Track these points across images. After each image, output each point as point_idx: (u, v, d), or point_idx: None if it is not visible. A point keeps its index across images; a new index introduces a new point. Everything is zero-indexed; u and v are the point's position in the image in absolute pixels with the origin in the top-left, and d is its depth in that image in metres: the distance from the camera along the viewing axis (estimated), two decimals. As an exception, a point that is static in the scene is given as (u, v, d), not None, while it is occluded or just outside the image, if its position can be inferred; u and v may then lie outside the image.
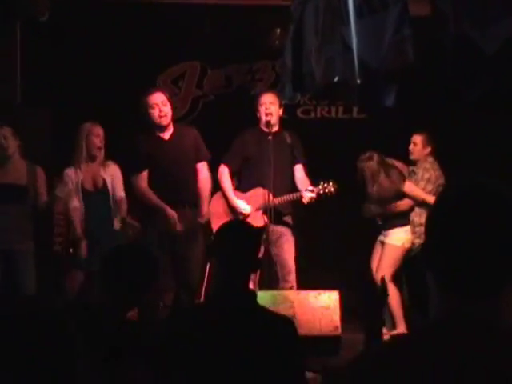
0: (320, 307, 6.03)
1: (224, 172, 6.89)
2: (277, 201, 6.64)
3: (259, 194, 6.70)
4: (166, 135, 6.61)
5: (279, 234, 6.75)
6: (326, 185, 6.67)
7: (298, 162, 6.87)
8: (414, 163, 7.10)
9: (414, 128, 6.96)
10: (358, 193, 7.40)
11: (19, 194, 6.28)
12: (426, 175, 6.90)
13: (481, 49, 3.29)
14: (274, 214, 6.62)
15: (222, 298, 3.03)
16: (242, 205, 6.77)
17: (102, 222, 6.47)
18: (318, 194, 6.66)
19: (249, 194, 6.81)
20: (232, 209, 6.80)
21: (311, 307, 6.03)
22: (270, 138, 6.58)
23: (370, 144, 7.04)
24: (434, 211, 1.67)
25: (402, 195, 6.91)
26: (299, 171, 6.87)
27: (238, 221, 3.82)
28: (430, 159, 7.00)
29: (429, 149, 7.02)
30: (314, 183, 6.72)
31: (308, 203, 6.67)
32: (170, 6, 7.93)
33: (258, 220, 6.70)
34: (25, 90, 7.47)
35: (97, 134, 6.45)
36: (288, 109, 7.89)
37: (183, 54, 8.34)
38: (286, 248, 6.80)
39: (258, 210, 6.73)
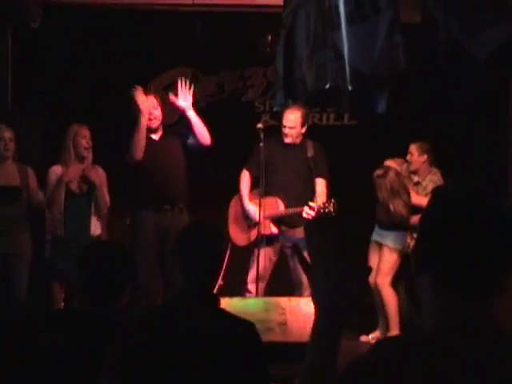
0: (311, 314, 5.95)
1: (244, 176, 6.99)
2: (284, 212, 6.70)
3: (271, 202, 6.74)
4: (155, 136, 6.72)
5: (295, 249, 6.67)
6: (326, 204, 6.67)
7: (317, 176, 6.87)
8: (414, 173, 7.09)
9: (406, 135, 6.97)
10: (352, 199, 7.44)
11: (14, 195, 6.29)
12: None
13: (471, 55, 3.30)
14: (290, 224, 6.74)
15: (183, 300, 2.99)
16: (252, 212, 6.81)
17: (81, 225, 6.48)
18: (318, 212, 6.66)
19: (264, 200, 6.78)
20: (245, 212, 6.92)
21: (302, 314, 6.02)
22: (293, 148, 6.74)
23: (362, 151, 7.06)
24: (429, 213, 1.67)
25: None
26: (318, 185, 6.85)
27: (199, 222, 3.77)
28: (434, 170, 7.01)
29: (425, 157, 7.02)
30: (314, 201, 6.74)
31: (306, 219, 6.65)
32: (162, 12, 7.94)
33: (268, 228, 6.74)
34: (16, 95, 7.46)
35: (83, 136, 6.50)
36: (279, 116, 7.91)
37: (175, 60, 8.34)
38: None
39: (267, 218, 6.75)
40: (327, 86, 4.30)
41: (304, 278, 6.67)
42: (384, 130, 7.09)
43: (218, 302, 3.03)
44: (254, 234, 6.82)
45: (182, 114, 6.76)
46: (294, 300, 6.13)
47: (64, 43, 7.82)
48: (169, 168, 6.59)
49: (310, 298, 6.06)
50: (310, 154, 6.82)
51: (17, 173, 6.37)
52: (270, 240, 6.81)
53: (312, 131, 8.32)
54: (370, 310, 6.85)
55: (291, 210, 6.72)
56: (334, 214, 6.62)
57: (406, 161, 7.09)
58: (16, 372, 3.33)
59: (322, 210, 6.64)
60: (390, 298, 6.72)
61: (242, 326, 3.00)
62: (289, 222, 6.78)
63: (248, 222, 6.88)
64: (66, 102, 7.66)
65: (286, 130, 6.81)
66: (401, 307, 6.90)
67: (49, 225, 6.48)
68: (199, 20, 7.92)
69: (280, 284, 7.05)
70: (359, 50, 3.93)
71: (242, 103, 8.30)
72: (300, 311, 6.03)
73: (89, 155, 6.54)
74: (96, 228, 6.56)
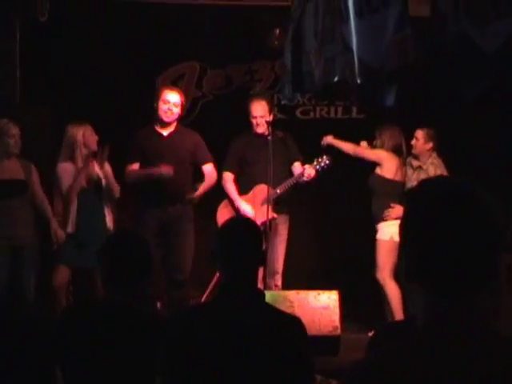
0: (319, 307, 6.03)
1: (228, 178, 7.01)
2: (279, 190, 6.73)
3: (261, 189, 6.78)
4: (165, 132, 6.72)
5: (275, 232, 6.79)
6: (320, 159, 6.76)
7: (295, 160, 6.95)
8: (416, 157, 7.05)
9: (414, 128, 6.95)
10: (351, 192, 7.44)
11: (21, 188, 6.32)
12: (438, 171, 6.84)
13: (480, 48, 3.29)
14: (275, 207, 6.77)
15: (230, 296, 3.00)
16: (247, 208, 6.82)
17: (93, 218, 6.52)
18: (316, 170, 6.74)
19: (250, 193, 6.86)
20: (237, 212, 6.87)
21: (311, 307, 6.03)
22: (265, 139, 6.71)
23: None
24: (405, 219, 1.65)
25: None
26: (298, 167, 6.94)
27: (239, 218, 3.80)
28: (434, 155, 6.97)
29: (430, 144, 6.98)
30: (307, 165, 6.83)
31: (309, 179, 6.75)
32: (170, 6, 7.93)
33: (264, 215, 6.75)
34: (24, 89, 7.47)
35: (90, 133, 6.53)
36: (287, 109, 7.90)
37: (183, 54, 8.33)
38: (280, 248, 6.86)
39: (262, 204, 6.77)
40: (336, 79, 4.31)
41: (280, 262, 6.79)
42: (392, 124, 7.06)
43: (263, 296, 3.06)
44: None
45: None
46: (303, 293, 6.13)
47: (72, 37, 7.81)
48: (174, 165, 6.58)
49: (318, 292, 6.04)
50: (283, 140, 6.87)
51: (21, 168, 6.39)
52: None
53: (320, 124, 8.35)
54: (380, 304, 6.86)
55: (287, 184, 6.76)
56: (330, 166, 6.73)
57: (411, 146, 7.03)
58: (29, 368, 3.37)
59: (318, 166, 6.74)
60: (392, 292, 6.69)
61: (289, 320, 3.05)
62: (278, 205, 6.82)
63: None
64: (74, 96, 7.65)
65: (258, 120, 6.85)
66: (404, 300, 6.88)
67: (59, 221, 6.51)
68: (207, 14, 7.91)
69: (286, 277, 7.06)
70: (368, 43, 3.93)
71: (250, 97, 8.28)
72: (308, 304, 6.04)
73: (97, 152, 6.55)
74: (109, 222, 6.61)
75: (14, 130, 6.30)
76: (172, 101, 6.63)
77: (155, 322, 3.33)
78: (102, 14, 7.76)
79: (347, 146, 7.02)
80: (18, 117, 6.47)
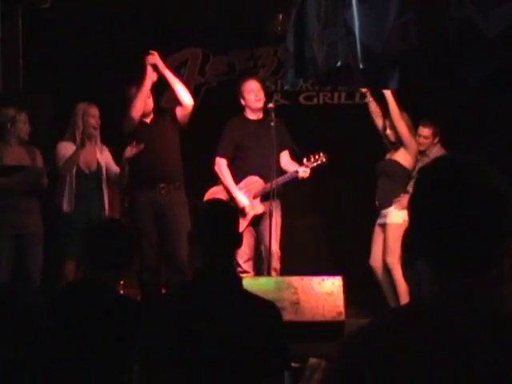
0: (323, 293, 6.04)
1: (222, 164, 6.95)
2: (273, 184, 6.67)
3: (254, 181, 6.76)
4: (147, 119, 6.83)
5: (267, 215, 6.78)
6: (316, 157, 6.76)
7: (285, 148, 6.92)
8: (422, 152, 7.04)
9: (417, 112, 6.93)
10: (356, 178, 7.43)
11: (25, 174, 6.33)
12: None
13: (483, 32, 3.27)
14: (265, 196, 6.76)
15: (205, 281, 2.99)
16: (243, 199, 6.80)
17: (92, 204, 6.55)
18: (312, 168, 6.73)
19: (243, 182, 6.84)
20: (232, 200, 6.81)
21: (315, 293, 6.04)
22: (258, 124, 6.75)
23: (373, 130, 7.03)
24: (414, 198, 1.66)
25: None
26: (285, 157, 6.94)
27: (213, 201, 3.80)
28: (438, 146, 6.98)
29: (437, 139, 7.02)
30: (305, 158, 6.82)
31: (303, 178, 6.72)
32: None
33: (257, 207, 6.75)
34: (27, 76, 7.46)
35: (92, 115, 6.57)
36: (290, 95, 7.89)
37: (185, 40, 8.32)
38: (276, 232, 6.85)
39: (255, 197, 6.77)
40: (338, 63, 4.29)
41: (275, 245, 6.80)
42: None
43: (241, 281, 3.05)
44: (243, 221, 6.74)
45: (160, 75, 6.79)
46: (307, 279, 6.13)
47: (74, 24, 7.80)
48: (162, 149, 6.68)
49: (322, 278, 6.04)
50: (275, 126, 6.79)
51: (26, 154, 6.41)
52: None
53: (323, 110, 8.34)
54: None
55: (281, 179, 6.75)
56: (326, 163, 6.72)
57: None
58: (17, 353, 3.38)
59: (314, 164, 6.72)
60: (400, 275, 6.68)
61: (264, 304, 3.04)
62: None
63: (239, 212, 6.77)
64: (77, 82, 7.64)
65: (256, 94, 6.86)
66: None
67: (56, 200, 6.52)
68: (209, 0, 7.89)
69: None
70: (370, 27, 3.91)
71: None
72: (312, 290, 6.04)
73: (97, 134, 6.60)
74: (107, 207, 6.67)
75: (25, 118, 6.34)
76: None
77: (135, 307, 3.36)
78: (104, 1, 7.74)
79: (394, 109, 6.77)
80: (21, 104, 6.48)
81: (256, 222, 6.86)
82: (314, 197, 8.06)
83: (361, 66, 3.97)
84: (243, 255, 6.76)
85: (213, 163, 6.93)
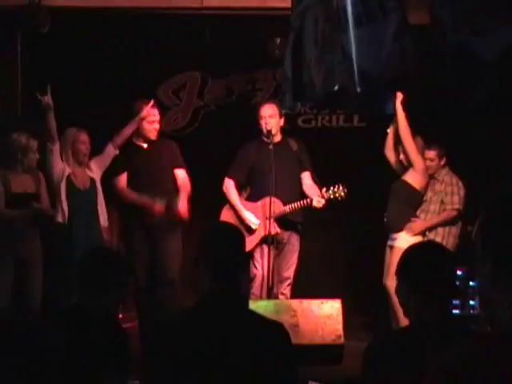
0: (323, 316, 6.03)
1: (229, 184, 6.97)
2: (287, 208, 6.70)
3: (268, 203, 6.73)
4: (145, 144, 6.86)
5: (285, 241, 6.82)
6: (335, 189, 6.71)
7: (305, 170, 6.92)
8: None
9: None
10: (362, 200, 7.42)
11: (30, 201, 6.35)
12: (454, 179, 6.94)
13: (480, 56, 3.29)
14: (284, 222, 6.76)
15: (212, 304, 2.98)
16: (251, 218, 6.81)
17: (88, 221, 6.61)
18: (329, 199, 6.71)
19: (259, 203, 6.85)
20: (241, 220, 6.82)
21: (314, 316, 6.03)
22: (271, 147, 6.67)
23: (371, 152, 7.04)
24: (489, 221, 1.68)
25: None
26: (307, 178, 6.93)
27: (221, 223, 3.81)
28: (446, 169, 7.03)
29: (444, 159, 7.05)
30: (325, 188, 6.78)
31: (318, 209, 6.70)
32: (171, 16, 7.93)
33: (271, 228, 6.75)
34: (25, 101, 7.48)
35: (82, 141, 6.62)
36: (289, 118, 7.89)
37: (184, 64, 8.34)
38: (289, 257, 6.87)
39: (268, 219, 6.76)
40: (336, 88, 4.30)
41: (289, 270, 6.77)
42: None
43: (247, 302, 3.04)
44: (253, 239, 6.77)
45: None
46: (306, 302, 6.13)
47: (73, 49, 7.82)
48: (156, 175, 6.73)
49: (321, 301, 6.04)
50: (294, 148, 6.86)
51: (32, 181, 6.46)
52: (266, 240, 6.83)
53: (321, 133, 8.35)
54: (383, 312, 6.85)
55: (296, 205, 6.74)
56: (344, 199, 6.68)
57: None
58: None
59: (331, 196, 6.70)
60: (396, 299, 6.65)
61: (272, 326, 3.03)
62: (287, 219, 6.81)
63: (245, 228, 6.73)
64: (75, 107, 7.65)
65: (267, 120, 6.84)
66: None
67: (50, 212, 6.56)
68: (208, 23, 7.92)
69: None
70: (367, 51, 3.93)
71: (251, 106, 8.29)
72: (311, 313, 6.03)
73: (86, 160, 6.70)
74: (103, 220, 6.73)
75: (35, 146, 6.39)
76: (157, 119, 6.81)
77: (122, 336, 3.40)
78: (103, 24, 7.77)
79: (404, 126, 6.65)
80: (18, 129, 6.51)
81: (275, 246, 6.83)
82: (311, 219, 8.06)
83: (358, 90, 3.98)
84: (256, 278, 6.77)
85: (210, 185, 6.95)
